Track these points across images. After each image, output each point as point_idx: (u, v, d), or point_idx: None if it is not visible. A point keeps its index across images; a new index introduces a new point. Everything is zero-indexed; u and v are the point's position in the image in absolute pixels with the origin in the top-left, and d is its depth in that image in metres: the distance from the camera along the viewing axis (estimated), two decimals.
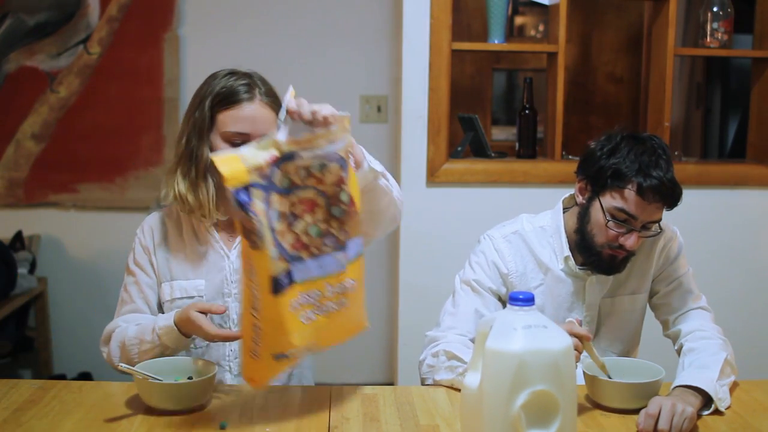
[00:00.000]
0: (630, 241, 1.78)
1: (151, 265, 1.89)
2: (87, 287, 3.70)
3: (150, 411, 1.59)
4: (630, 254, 1.83)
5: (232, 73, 1.83)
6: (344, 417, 1.61)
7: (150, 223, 1.92)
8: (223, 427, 1.53)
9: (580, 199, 1.87)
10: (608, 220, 1.78)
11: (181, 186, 1.80)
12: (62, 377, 3.52)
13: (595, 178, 1.81)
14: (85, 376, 3.60)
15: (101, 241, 3.68)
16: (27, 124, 3.59)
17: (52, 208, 3.65)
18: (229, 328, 1.85)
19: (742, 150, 3.32)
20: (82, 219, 3.66)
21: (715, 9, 2.98)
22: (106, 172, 3.63)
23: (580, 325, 1.67)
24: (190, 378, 1.66)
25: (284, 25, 3.64)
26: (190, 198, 1.80)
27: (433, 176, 2.96)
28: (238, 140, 1.76)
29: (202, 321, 1.65)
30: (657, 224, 1.80)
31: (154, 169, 3.63)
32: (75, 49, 3.57)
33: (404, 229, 3.01)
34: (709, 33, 3.00)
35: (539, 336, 1.29)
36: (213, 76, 1.83)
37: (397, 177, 3.21)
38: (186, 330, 1.71)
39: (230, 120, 1.77)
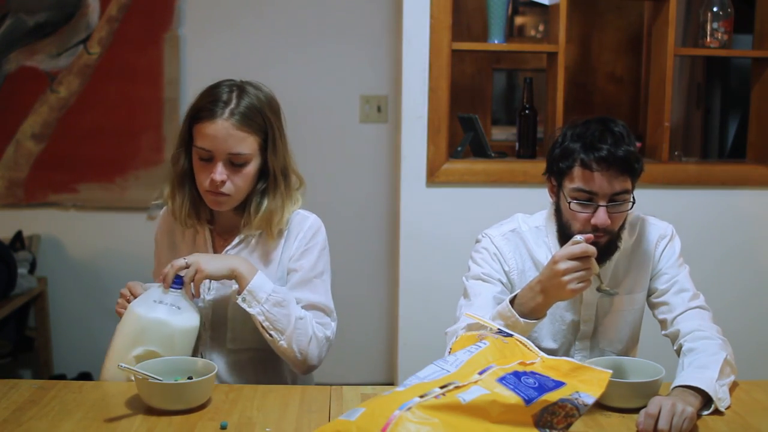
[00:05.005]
0: (599, 218, 1.76)
1: (158, 257, 2.01)
2: (87, 287, 3.70)
3: (150, 411, 1.59)
4: (613, 236, 1.81)
5: (217, 85, 1.85)
6: None
7: (164, 216, 2.01)
8: (223, 427, 1.53)
9: (552, 196, 1.90)
10: (570, 202, 1.78)
11: (165, 191, 1.91)
12: (62, 377, 3.52)
13: (553, 170, 1.84)
14: (85, 376, 3.60)
15: (101, 241, 3.68)
16: (27, 124, 3.59)
17: (52, 208, 3.65)
18: (201, 333, 1.87)
19: (742, 150, 3.32)
20: (82, 219, 3.67)
21: (715, 9, 2.98)
22: (106, 172, 3.63)
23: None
24: (190, 378, 1.66)
25: (284, 25, 3.64)
26: (170, 203, 1.91)
27: (433, 176, 2.96)
28: (204, 156, 1.80)
29: (129, 283, 1.83)
30: (625, 195, 1.78)
31: (154, 169, 3.63)
32: (75, 49, 3.57)
33: (404, 229, 3.01)
34: (709, 33, 3.00)
35: (169, 312, 1.74)
36: (206, 88, 1.87)
37: (397, 177, 3.22)
38: None
39: (197, 134, 1.82)
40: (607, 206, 1.76)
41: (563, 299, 1.77)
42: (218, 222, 1.94)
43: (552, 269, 1.69)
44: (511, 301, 1.75)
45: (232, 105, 1.79)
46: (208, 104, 1.80)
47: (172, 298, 1.76)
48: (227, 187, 1.80)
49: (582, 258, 1.67)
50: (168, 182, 1.91)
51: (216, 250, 1.92)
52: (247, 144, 1.80)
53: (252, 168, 1.83)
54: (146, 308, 1.75)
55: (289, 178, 1.91)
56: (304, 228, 1.92)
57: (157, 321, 1.73)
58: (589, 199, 1.77)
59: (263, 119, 1.82)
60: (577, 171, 1.77)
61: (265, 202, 1.87)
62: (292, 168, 1.92)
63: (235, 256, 1.86)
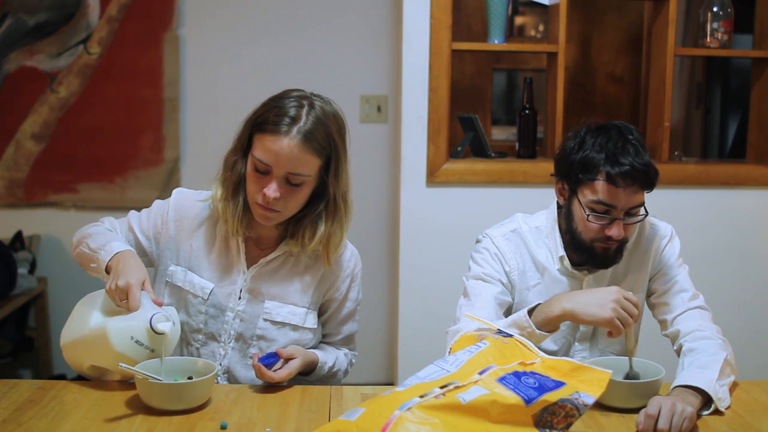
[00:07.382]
0: (615, 230, 1.77)
1: (156, 235, 1.91)
2: (87, 287, 3.66)
3: (150, 411, 1.59)
4: (623, 242, 1.82)
5: (286, 96, 1.77)
6: None
7: (188, 204, 1.90)
8: (223, 427, 1.53)
9: (561, 200, 1.89)
10: (588, 215, 1.78)
11: (218, 192, 1.83)
12: (62, 377, 3.52)
13: (569, 176, 1.83)
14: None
15: None
16: (27, 124, 3.59)
17: (52, 208, 3.65)
18: (224, 343, 1.86)
19: (742, 150, 3.32)
20: (82, 219, 3.64)
21: (715, 9, 2.98)
22: (106, 172, 3.63)
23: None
24: (190, 378, 1.66)
25: (284, 25, 3.64)
26: (221, 207, 1.82)
27: (433, 176, 2.96)
28: (261, 168, 1.74)
29: (134, 288, 1.68)
30: (640, 208, 1.80)
31: (154, 169, 3.63)
32: (75, 49, 3.57)
33: (404, 229, 3.01)
34: (709, 33, 3.00)
35: (140, 354, 1.67)
36: (274, 96, 1.79)
37: (397, 177, 3.22)
38: (113, 268, 1.76)
39: (258, 145, 1.74)
40: (623, 219, 1.77)
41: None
42: (255, 229, 1.87)
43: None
44: (529, 312, 1.75)
45: (300, 123, 1.71)
46: (274, 117, 1.72)
47: (152, 341, 1.68)
48: (278, 204, 1.75)
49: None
50: (219, 183, 1.83)
51: (249, 258, 1.87)
52: (309, 166, 1.74)
53: (307, 189, 1.78)
54: (122, 342, 1.67)
55: (348, 204, 1.85)
56: (346, 257, 1.94)
57: (123, 357, 1.66)
58: (606, 211, 1.77)
59: (329, 142, 1.76)
60: (600, 185, 1.76)
61: (322, 227, 1.82)
62: (349, 194, 1.86)
63: (297, 350, 1.83)
